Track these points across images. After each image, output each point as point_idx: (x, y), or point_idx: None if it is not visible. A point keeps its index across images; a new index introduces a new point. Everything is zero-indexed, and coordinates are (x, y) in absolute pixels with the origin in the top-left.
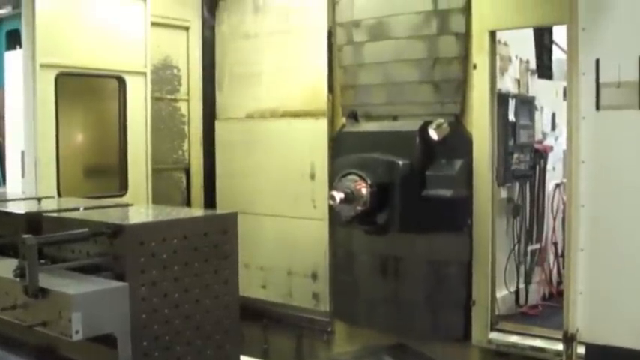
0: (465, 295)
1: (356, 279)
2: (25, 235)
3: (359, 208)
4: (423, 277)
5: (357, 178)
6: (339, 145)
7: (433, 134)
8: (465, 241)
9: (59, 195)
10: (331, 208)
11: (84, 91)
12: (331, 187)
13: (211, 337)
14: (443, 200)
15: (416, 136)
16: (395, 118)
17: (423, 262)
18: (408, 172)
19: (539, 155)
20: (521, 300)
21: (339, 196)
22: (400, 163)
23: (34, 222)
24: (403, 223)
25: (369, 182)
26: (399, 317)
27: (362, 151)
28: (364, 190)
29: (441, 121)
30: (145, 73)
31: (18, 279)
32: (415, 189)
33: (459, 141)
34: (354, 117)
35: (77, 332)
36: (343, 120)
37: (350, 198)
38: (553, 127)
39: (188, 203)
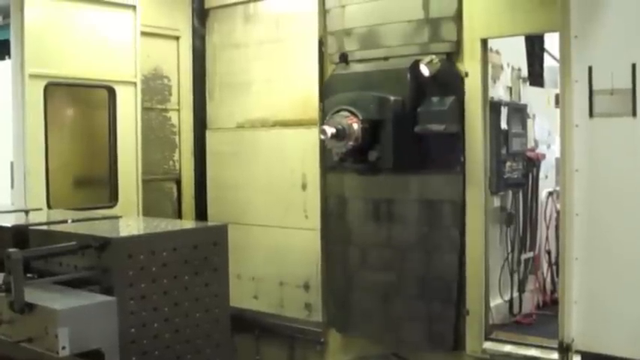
0: (459, 236)
1: (348, 224)
2: (11, 249)
3: (350, 143)
4: (417, 218)
5: (348, 114)
6: (330, 87)
7: (424, 69)
8: (458, 180)
9: (49, 206)
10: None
11: (73, 101)
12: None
13: (202, 351)
14: (435, 138)
15: (407, 73)
16: None
17: (416, 202)
18: (400, 107)
19: (532, 163)
20: (515, 309)
21: (330, 130)
22: (392, 98)
23: (20, 235)
24: (395, 161)
25: (360, 118)
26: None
27: (353, 90)
28: (355, 126)
29: (432, 56)
30: (135, 83)
31: (3, 294)
32: (407, 126)
33: (450, 78)
34: (344, 60)
35: (64, 348)
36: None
37: (341, 134)
38: (545, 135)
39: (179, 214)
